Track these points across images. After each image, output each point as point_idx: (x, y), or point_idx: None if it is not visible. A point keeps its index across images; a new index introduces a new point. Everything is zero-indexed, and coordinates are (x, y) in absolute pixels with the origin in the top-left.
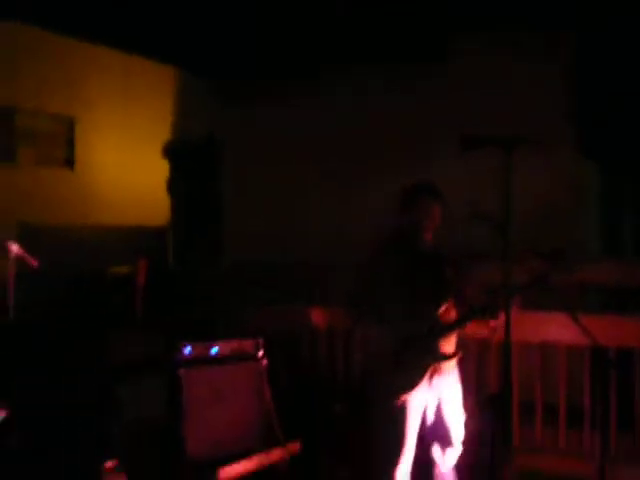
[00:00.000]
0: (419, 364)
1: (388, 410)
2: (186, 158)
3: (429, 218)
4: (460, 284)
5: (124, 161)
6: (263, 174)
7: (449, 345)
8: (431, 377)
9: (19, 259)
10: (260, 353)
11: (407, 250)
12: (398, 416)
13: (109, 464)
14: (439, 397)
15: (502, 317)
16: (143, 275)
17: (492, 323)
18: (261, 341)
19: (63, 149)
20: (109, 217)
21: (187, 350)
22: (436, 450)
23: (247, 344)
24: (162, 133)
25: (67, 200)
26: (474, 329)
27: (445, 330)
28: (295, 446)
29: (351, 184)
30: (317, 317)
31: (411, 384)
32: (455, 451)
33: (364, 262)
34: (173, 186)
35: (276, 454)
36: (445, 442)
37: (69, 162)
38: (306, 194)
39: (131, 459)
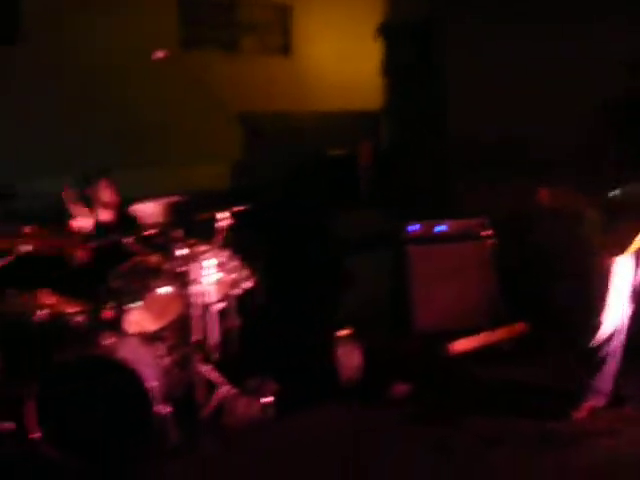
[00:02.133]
0: (632, 229)
1: (598, 268)
2: (401, 40)
3: None
4: None
5: (338, 46)
6: (486, 53)
7: None
8: None
9: None
10: (486, 232)
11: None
12: (605, 274)
13: (343, 332)
14: None
15: None
16: (368, 157)
17: None
18: (487, 221)
19: (280, 37)
20: (324, 102)
21: (415, 228)
22: None
23: (473, 223)
24: (376, 15)
25: (284, 87)
26: None
27: None
28: (521, 326)
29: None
30: (544, 197)
31: (621, 247)
32: None
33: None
34: (388, 69)
35: (501, 333)
36: None
37: (285, 49)
38: (531, 70)
39: (362, 329)
